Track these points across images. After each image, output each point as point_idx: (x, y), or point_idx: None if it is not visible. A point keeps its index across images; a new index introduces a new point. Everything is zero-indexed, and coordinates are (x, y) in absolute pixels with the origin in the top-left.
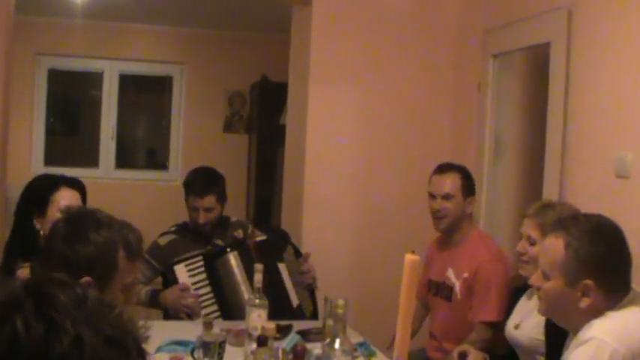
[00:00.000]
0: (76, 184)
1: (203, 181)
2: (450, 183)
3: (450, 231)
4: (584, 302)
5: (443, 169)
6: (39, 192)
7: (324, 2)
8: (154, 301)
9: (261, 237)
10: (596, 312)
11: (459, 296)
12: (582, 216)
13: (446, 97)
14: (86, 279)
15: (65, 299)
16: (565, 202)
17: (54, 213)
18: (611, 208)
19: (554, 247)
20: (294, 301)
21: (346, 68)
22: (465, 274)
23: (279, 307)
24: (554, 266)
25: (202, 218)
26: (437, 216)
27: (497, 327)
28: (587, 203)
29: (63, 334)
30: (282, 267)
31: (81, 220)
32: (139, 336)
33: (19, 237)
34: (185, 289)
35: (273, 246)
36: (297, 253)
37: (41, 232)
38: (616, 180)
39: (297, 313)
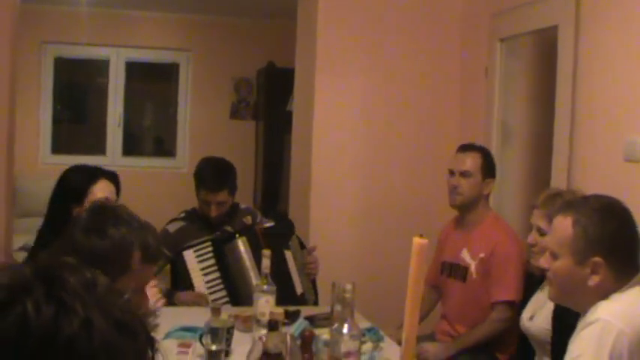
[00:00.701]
0: (113, 177)
1: (217, 177)
2: (470, 161)
3: (464, 210)
4: (594, 280)
5: (465, 147)
6: (78, 182)
7: None
8: (167, 300)
9: (269, 223)
10: (605, 291)
11: (474, 276)
12: (592, 197)
13: (453, 83)
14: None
15: (75, 282)
16: (574, 189)
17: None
18: (620, 192)
19: (562, 225)
20: (299, 289)
21: (352, 55)
22: (482, 255)
23: (283, 294)
24: (563, 244)
25: (215, 212)
26: (453, 192)
27: (515, 306)
28: (596, 188)
29: (73, 316)
30: (288, 254)
31: (103, 213)
32: (148, 322)
33: (53, 225)
34: (201, 295)
35: (281, 233)
36: (301, 244)
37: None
38: (625, 164)
39: (301, 301)
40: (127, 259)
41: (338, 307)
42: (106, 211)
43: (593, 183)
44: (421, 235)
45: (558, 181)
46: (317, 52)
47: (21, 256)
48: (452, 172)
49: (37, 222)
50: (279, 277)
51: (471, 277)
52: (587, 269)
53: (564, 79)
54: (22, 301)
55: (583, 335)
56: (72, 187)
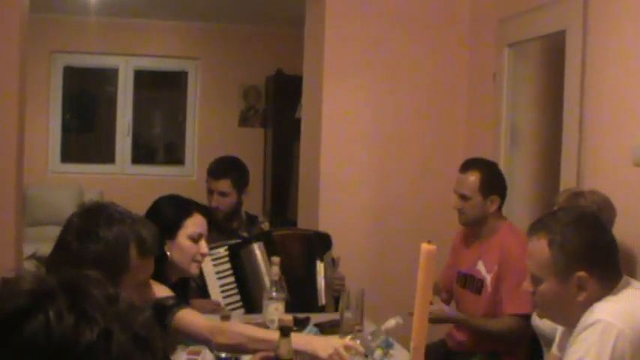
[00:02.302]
0: (205, 211)
1: (221, 165)
2: (467, 183)
3: (473, 226)
4: (582, 296)
5: (466, 167)
6: (171, 215)
7: None
8: None
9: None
10: (594, 302)
11: (489, 289)
12: (560, 211)
13: (461, 88)
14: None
15: (98, 295)
16: (595, 190)
17: (183, 238)
18: (628, 196)
19: (538, 248)
20: (322, 300)
21: (360, 61)
22: (496, 267)
23: (306, 301)
24: (543, 267)
25: (215, 202)
26: (458, 212)
27: (528, 318)
28: (605, 192)
29: (93, 325)
30: (320, 266)
31: (93, 215)
32: (165, 342)
33: None
34: (217, 304)
35: (322, 243)
36: (333, 260)
37: (168, 254)
38: (634, 169)
39: (320, 312)
40: (124, 257)
41: (348, 314)
42: (96, 213)
43: (601, 187)
44: (429, 242)
45: (567, 185)
46: (325, 59)
47: (31, 265)
48: (456, 192)
49: (47, 230)
50: (306, 283)
51: (486, 291)
52: (573, 286)
53: (572, 83)
54: (45, 308)
55: (583, 337)
56: (166, 221)
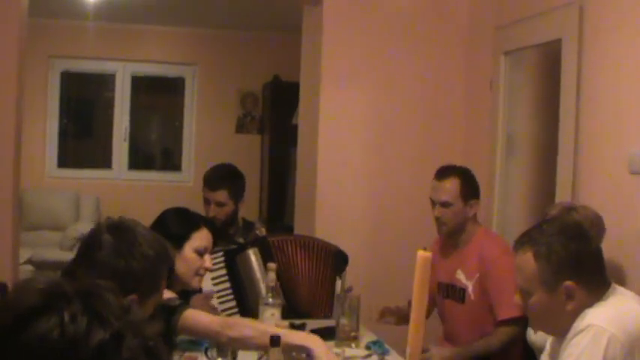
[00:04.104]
0: (212, 227)
1: (218, 175)
2: (447, 190)
3: (453, 235)
4: (570, 305)
5: (442, 174)
6: (180, 227)
7: (334, 2)
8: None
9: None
10: (583, 310)
11: (472, 297)
12: (544, 223)
13: (457, 95)
14: (132, 297)
15: (113, 300)
16: (587, 205)
17: (189, 251)
18: (624, 204)
19: (524, 262)
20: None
21: (357, 68)
22: (477, 274)
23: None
24: (531, 280)
25: (212, 212)
26: (437, 222)
27: (521, 320)
28: (601, 200)
29: (107, 326)
30: (338, 283)
31: (130, 232)
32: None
33: None
34: (209, 296)
35: (342, 261)
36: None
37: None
38: (630, 177)
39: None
40: (159, 278)
41: (344, 320)
42: (130, 230)
43: (597, 195)
44: (425, 249)
45: (563, 193)
46: (322, 65)
47: (27, 270)
48: (433, 202)
49: (43, 235)
50: (323, 297)
51: (469, 299)
52: (561, 296)
53: (568, 91)
54: (59, 309)
55: (575, 342)
56: (174, 231)
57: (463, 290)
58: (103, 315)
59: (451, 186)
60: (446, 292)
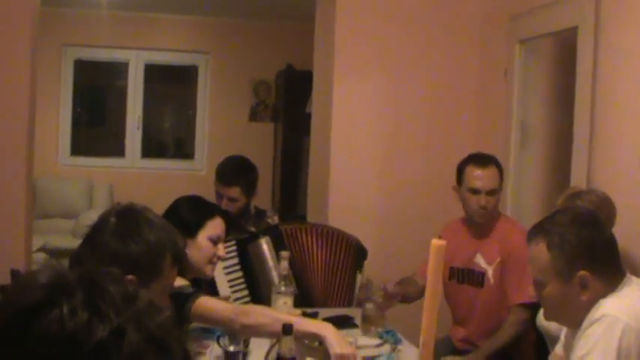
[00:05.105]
0: (226, 216)
1: (231, 171)
2: (494, 177)
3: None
4: (585, 295)
5: (484, 162)
6: (195, 214)
7: None
8: None
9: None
10: (598, 300)
11: (492, 281)
12: (557, 213)
13: (472, 84)
14: (130, 277)
15: (115, 293)
16: (593, 188)
17: (203, 239)
18: (639, 193)
19: (538, 252)
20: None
21: (371, 56)
22: (498, 259)
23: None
24: (545, 271)
25: (224, 206)
26: (482, 211)
27: (533, 307)
28: (616, 188)
29: (106, 322)
30: (358, 276)
31: (132, 217)
32: (185, 343)
33: None
34: (227, 299)
35: (361, 254)
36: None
37: (186, 251)
38: None
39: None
40: (160, 263)
41: (370, 305)
42: (135, 215)
43: (613, 183)
44: (439, 237)
45: (578, 181)
46: (335, 54)
47: (40, 257)
48: (476, 191)
49: (56, 223)
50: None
51: (488, 283)
52: (575, 286)
53: (584, 80)
54: (60, 303)
55: (590, 333)
56: (188, 219)
57: (482, 274)
58: (102, 310)
59: (494, 173)
60: (462, 277)
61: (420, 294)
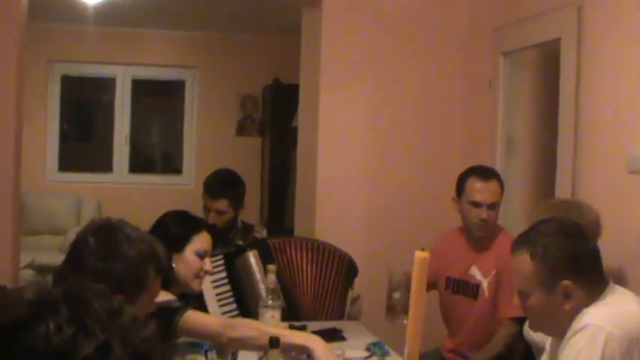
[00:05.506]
0: (213, 230)
1: (218, 184)
2: (496, 191)
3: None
4: (568, 304)
5: (487, 175)
6: (181, 229)
7: (333, 4)
8: None
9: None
10: (581, 310)
11: (486, 294)
12: (541, 223)
13: (457, 96)
14: (117, 297)
15: (100, 308)
16: (567, 199)
17: (190, 253)
18: (623, 204)
19: (521, 263)
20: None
21: (356, 69)
22: (494, 272)
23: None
24: (529, 281)
25: (212, 219)
26: (482, 224)
27: (522, 321)
28: (600, 199)
29: (91, 338)
30: (350, 292)
31: (110, 234)
32: (170, 357)
33: None
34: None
35: (353, 270)
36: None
37: (173, 266)
38: (629, 176)
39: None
40: (145, 276)
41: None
42: (114, 232)
43: (597, 195)
44: (423, 249)
45: (562, 192)
46: (321, 67)
47: (28, 274)
48: (478, 204)
49: (44, 239)
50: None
51: (482, 295)
52: (559, 295)
53: (567, 91)
54: (46, 319)
55: (573, 342)
56: (175, 234)
57: (477, 286)
58: (88, 326)
59: (496, 187)
60: (457, 288)
61: (430, 286)
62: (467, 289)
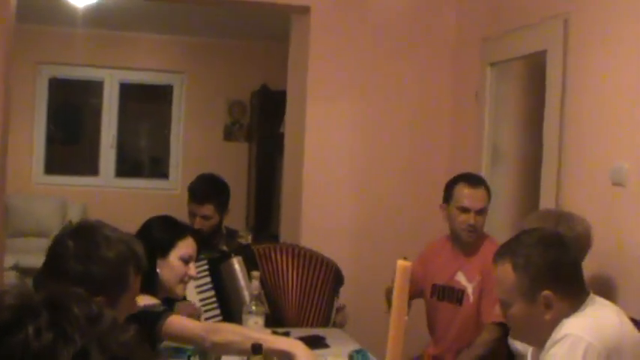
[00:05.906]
0: (197, 235)
1: (204, 189)
2: (483, 197)
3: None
4: (549, 314)
5: (475, 181)
6: (166, 234)
7: (322, 12)
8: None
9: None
10: (561, 320)
11: (471, 299)
12: (523, 234)
13: (444, 106)
14: (99, 299)
15: (79, 314)
16: (555, 210)
17: (175, 258)
18: (607, 215)
19: (503, 273)
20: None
21: (344, 77)
22: (479, 278)
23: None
24: (510, 291)
25: (198, 224)
26: (470, 230)
27: (506, 326)
28: (585, 210)
29: (70, 345)
30: (336, 301)
31: (89, 236)
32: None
33: None
34: (198, 308)
35: (339, 279)
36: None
37: (158, 271)
38: (612, 187)
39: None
40: (125, 276)
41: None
42: (91, 234)
43: (581, 206)
44: (405, 258)
45: (547, 202)
46: (308, 74)
47: (12, 276)
48: (465, 209)
49: (29, 242)
50: (321, 312)
51: (467, 301)
52: (540, 305)
53: (553, 103)
54: (25, 324)
55: (553, 352)
56: (159, 239)
57: (462, 292)
58: (67, 332)
59: (484, 193)
60: (442, 294)
61: (417, 294)
62: (452, 295)
